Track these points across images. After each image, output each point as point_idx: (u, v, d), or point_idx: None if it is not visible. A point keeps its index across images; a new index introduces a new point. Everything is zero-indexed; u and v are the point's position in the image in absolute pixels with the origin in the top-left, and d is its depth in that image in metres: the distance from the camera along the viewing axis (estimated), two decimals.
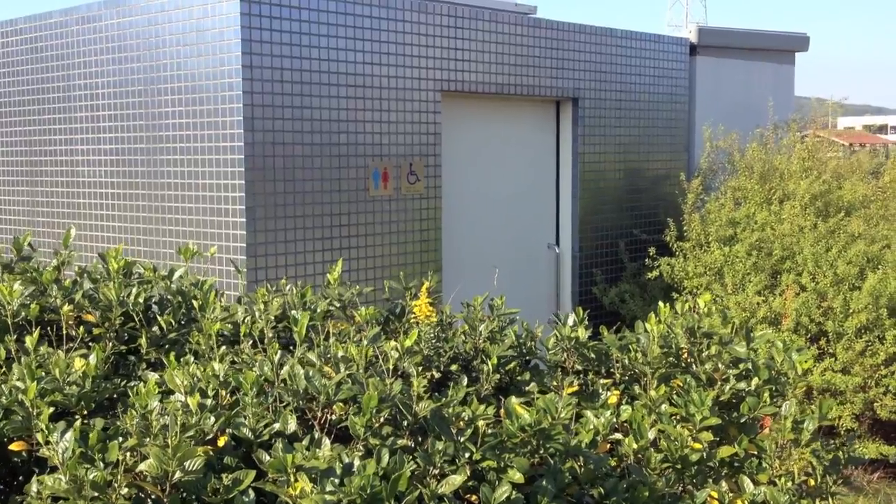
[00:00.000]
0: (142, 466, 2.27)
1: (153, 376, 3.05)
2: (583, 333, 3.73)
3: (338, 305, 3.83)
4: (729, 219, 7.07)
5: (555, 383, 3.60)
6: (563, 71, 7.15)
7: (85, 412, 2.96)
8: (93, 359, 3.05)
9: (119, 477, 2.26)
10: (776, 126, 8.14)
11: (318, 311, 3.40)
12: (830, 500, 3.47)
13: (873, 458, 6.20)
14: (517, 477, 2.63)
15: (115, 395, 3.13)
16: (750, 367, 3.62)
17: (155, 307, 3.71)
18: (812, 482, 3.50)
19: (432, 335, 3.64)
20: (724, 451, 3.30)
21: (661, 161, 8.08)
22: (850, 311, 6.20)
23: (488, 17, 6.56)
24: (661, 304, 3.92)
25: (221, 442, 2.67)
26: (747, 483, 3.22)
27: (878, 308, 6.15)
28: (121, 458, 2.29)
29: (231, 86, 5.24)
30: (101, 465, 2.28)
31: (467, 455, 2.68)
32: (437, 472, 2.54)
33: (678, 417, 3.35)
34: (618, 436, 3.27)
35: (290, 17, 5.39)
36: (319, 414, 2.65)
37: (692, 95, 8.44)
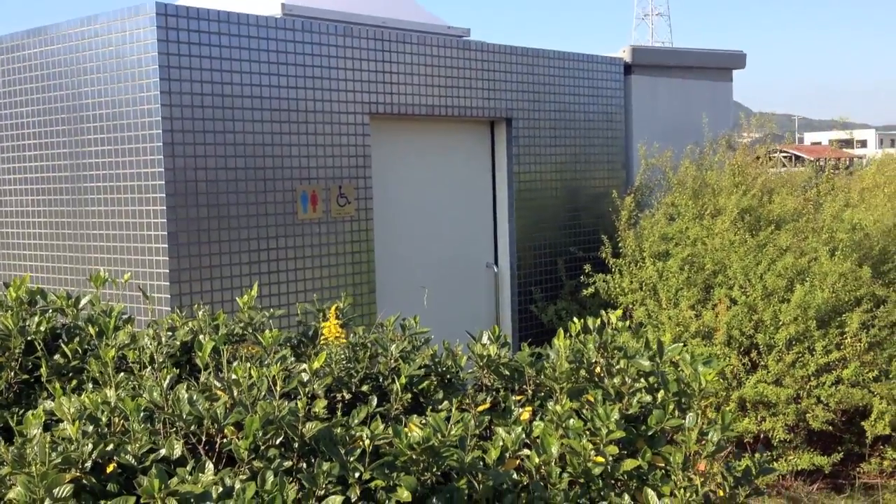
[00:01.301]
0: (10, 494, 2.24)
1: (47, 404, 3.02)
2: (494, 351, 3.74)
3: (251, 330, 3.82)
4: (662, 234, 7.14)
5: (467, 401, 3.60)
6: (496, 92, 7.20)
7: None
8: None
9: None
10: (711, 142, 8.24)
11: (220, 334, 3.38)
12: None
13: (806, 468, 6.24)
14: (405, 495, 2.63)
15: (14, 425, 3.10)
16: (659, 381, 3.64)
17: (65, 335, 3.68)
18: (721, 493, 3.52)
19: (344, 356, 3.63)
20: (628, 465, 3.31)
21: (598, 179, 8.15)
22: (780, 323, 6.27)
23: (416, 41, 6.60)
24: (575, 319, 3.95)
25: (110, 468, 2.65)
26: (651, 495, 3.24)
27: (807, 320, 6.23)
28: None
29: (151, 112, 5.23)
30: None
31: (357, 475, 2.67)
32: (321, 492, 2.53)
33: (589, 431, 3.36)
34: (526, 452, 3.27)
35: (210, 43, 5.39)
36: (204, 438, 2.63)
37: (628, 114, 8.54)
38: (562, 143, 7.80)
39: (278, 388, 2.77)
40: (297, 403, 2.71)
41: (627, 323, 3.99)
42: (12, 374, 3.41)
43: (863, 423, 6.36)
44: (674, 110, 8.98)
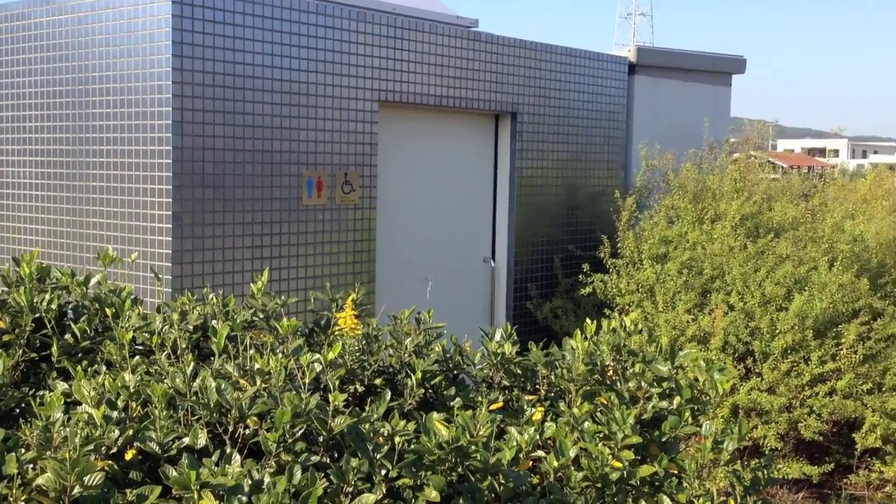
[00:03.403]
0: (39, 480, 2.18)
1: (62, 386, 2.95)
2: (509, 349, 3.70)
3: (261, 316, 3.75)
4: (661, 237, 7.13)
5: (479, 399, 3.56)
6: (503, 85, 7.15)
7: None
8: None
9: (14, 491, 2.16)
10: (711, 146, 8.24)
11: (238, 321, 3.32)
12: None
13: (796, 477, 6.27)
14: (433, 495, 2.59)
15: (23, 405, 3.03)
16: (673, 386, 3.62)
17: (71, 314, 3.60)
18: (732, 502, 3.51)
19: (357, 348, 3.58)
20: (645, 471, 3.29)
21: (598, 178, 8.12)
22: (777, 331, 6.28)
23: (428, 29, 6.54)
24: (588, 320, 3.91)
25: (129, 455, 2.58)
26: (666, 502, 3.22)
27: (804, 329, 6.24)
28: (18, 471, 2.20)
29: (161, 88, 5.13)
30: None
31: (383, 472, 2.62)
32: (350, 489, 2.48)
33: (602, 435, 3.34)
34: (540, 453, 3.24)
35: (224, 21, 5.30)
36: (231, 428, 2.57)
37: (630, 114, 8.51)
38: (564, 140, 7.77)
39: (307, 379, 2.71)
40: (327, 396, 2.66)
41: (641, 327, 3.96)
42: (20, 352, 3.33)
43: (853, 434, 6.39)
44: (673, 112, 8.96)
